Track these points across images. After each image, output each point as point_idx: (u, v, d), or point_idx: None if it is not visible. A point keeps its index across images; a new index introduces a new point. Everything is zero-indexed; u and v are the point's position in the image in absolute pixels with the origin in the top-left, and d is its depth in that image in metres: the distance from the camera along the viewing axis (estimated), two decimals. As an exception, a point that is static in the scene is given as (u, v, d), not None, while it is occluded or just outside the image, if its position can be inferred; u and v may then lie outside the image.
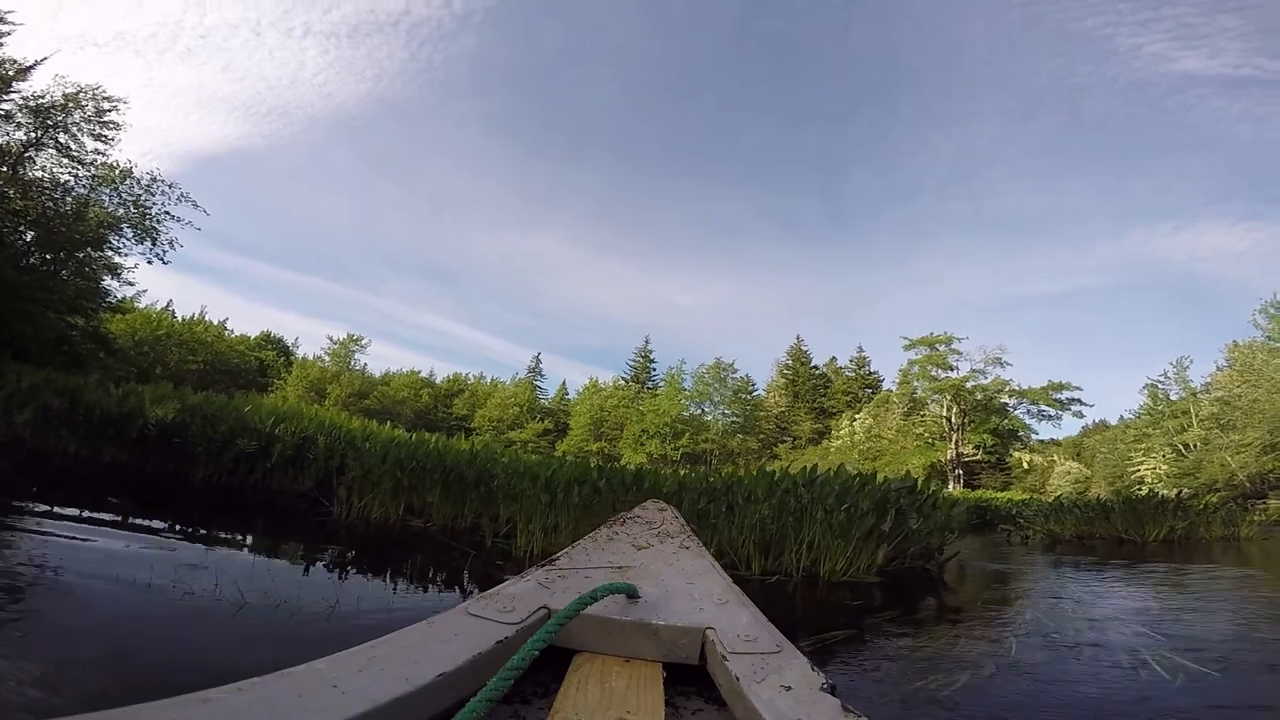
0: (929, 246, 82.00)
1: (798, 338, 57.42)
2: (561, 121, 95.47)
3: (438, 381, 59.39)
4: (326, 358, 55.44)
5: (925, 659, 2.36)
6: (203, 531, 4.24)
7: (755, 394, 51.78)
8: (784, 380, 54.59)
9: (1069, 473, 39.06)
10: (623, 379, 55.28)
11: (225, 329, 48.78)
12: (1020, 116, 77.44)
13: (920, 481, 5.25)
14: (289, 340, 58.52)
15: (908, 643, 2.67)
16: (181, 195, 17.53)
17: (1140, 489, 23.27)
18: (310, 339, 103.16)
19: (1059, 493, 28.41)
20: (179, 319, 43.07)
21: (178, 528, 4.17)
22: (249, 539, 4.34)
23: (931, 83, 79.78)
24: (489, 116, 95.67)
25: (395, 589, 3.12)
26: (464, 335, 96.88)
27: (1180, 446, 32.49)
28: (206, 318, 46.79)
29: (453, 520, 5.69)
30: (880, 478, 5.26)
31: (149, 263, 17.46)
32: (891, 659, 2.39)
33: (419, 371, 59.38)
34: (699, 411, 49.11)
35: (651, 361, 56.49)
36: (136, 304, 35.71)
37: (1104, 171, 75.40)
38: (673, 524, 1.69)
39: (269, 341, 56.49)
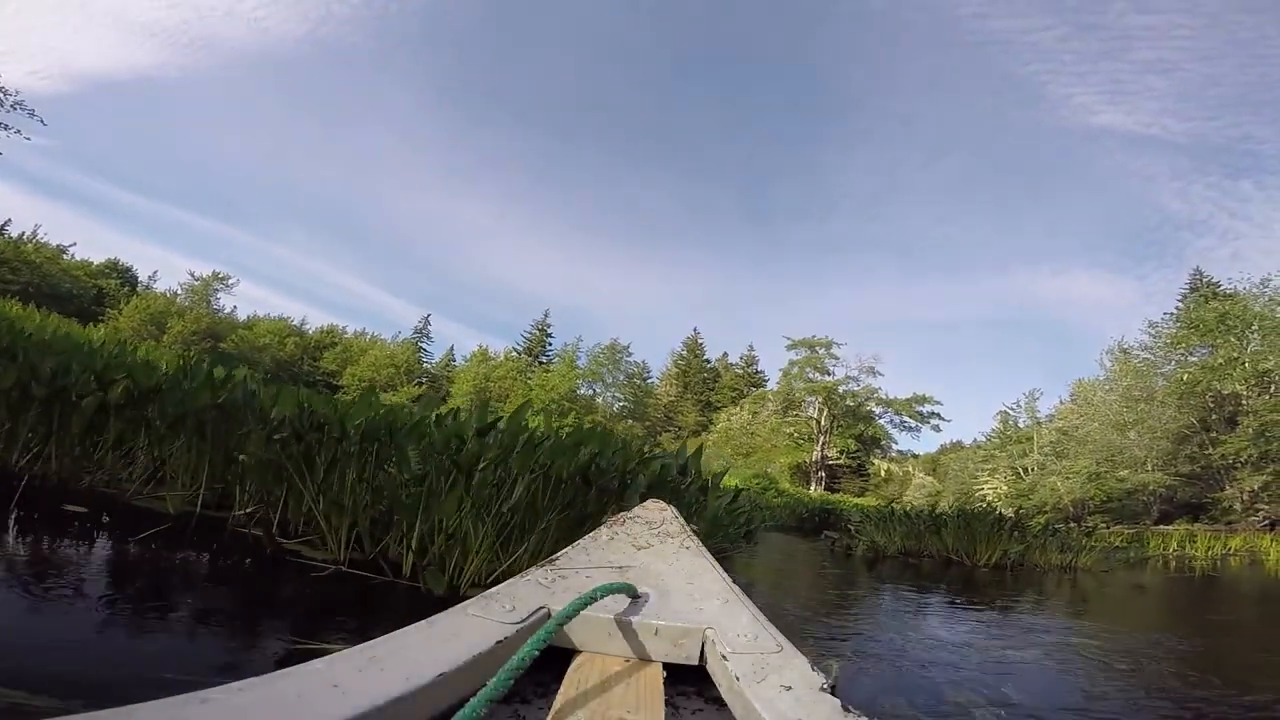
0: (833, 260, 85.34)
1: (695, 330, 57.31)
2: (505, 92, 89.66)
3: (309, 331, 54.06)
4: (181, 292, 50.22)
5: None
6: None
7: (649, 381, 50.93)
8: (677, 370, 54.21)
9: (924, 486, 41.37)
10: (515, 350, 52.49)
11: (63, 253, 45.78)
12: (940, 149, 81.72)
13: (690, 457, 3.53)
14: (147, 273, 53.96)
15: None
16: (16, 104, 16.44)
17: (982, 505, 24.31)
18: (178, 275, 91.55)
19: (914, 504, 29.52)
20: (5, 238, 40.49)
21: None
22: None
23: (866, 109, 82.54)
24: (433, 75, 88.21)
25: None
26: (369, 294, 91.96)
27: (1020, 470, 35.03)
28: (40, 238, 44.15)
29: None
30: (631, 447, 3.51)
31: None
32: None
33: (289, 319, 53.67)
34: (590, 392, 47.63)
35: (549, 335, 54.06)
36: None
37: (1004, 210, 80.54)
38: (673, 524, 1.53)
39: (113, 269, 51.38)
